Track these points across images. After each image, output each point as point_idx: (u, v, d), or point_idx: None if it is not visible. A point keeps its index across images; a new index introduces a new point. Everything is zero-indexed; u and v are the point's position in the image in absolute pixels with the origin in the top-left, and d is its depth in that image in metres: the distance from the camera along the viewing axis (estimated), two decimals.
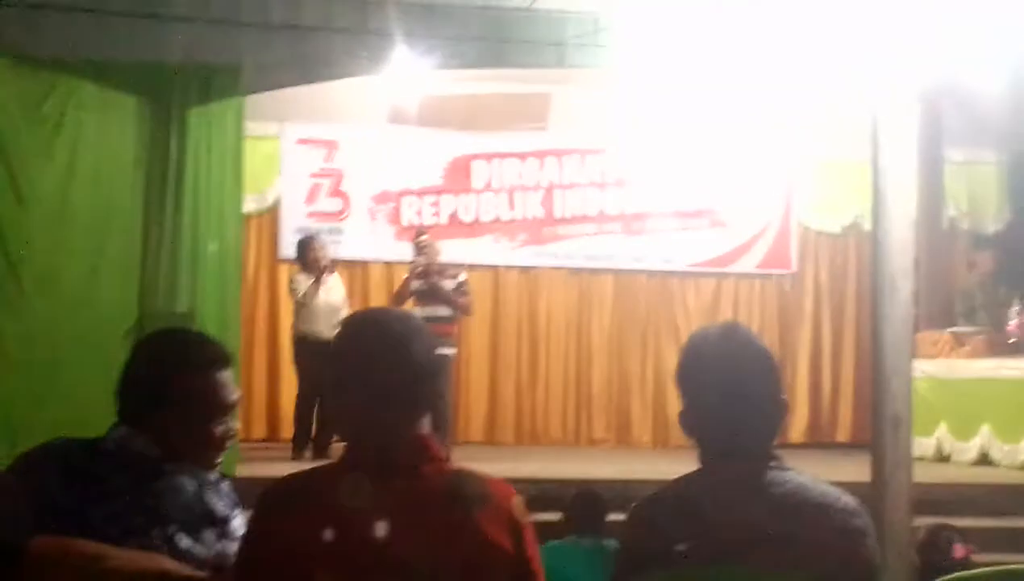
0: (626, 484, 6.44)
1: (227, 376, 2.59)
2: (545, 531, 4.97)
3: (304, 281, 9.15)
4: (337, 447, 8.67)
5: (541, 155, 11.42)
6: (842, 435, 11.60)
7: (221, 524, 2.45)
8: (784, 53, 7.92)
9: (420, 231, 9.85)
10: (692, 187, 11.45)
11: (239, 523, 2.46)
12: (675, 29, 7.88)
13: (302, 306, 9.11)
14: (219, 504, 2.48)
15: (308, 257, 9.24)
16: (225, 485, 2.53)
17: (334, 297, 9.20)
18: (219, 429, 2.56)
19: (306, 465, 2.60)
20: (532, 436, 11.36)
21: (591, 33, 8.18)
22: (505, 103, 10.99)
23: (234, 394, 2.61)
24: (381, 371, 2.30)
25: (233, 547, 2.40)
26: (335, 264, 9.60)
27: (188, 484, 2.45)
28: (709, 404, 2.48)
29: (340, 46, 8.18)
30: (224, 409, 2.57)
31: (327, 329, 8.81)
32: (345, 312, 9.03)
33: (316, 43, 8.12)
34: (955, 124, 10.41)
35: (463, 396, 11.06)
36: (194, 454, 2.52)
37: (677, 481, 2.53)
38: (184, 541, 2.38)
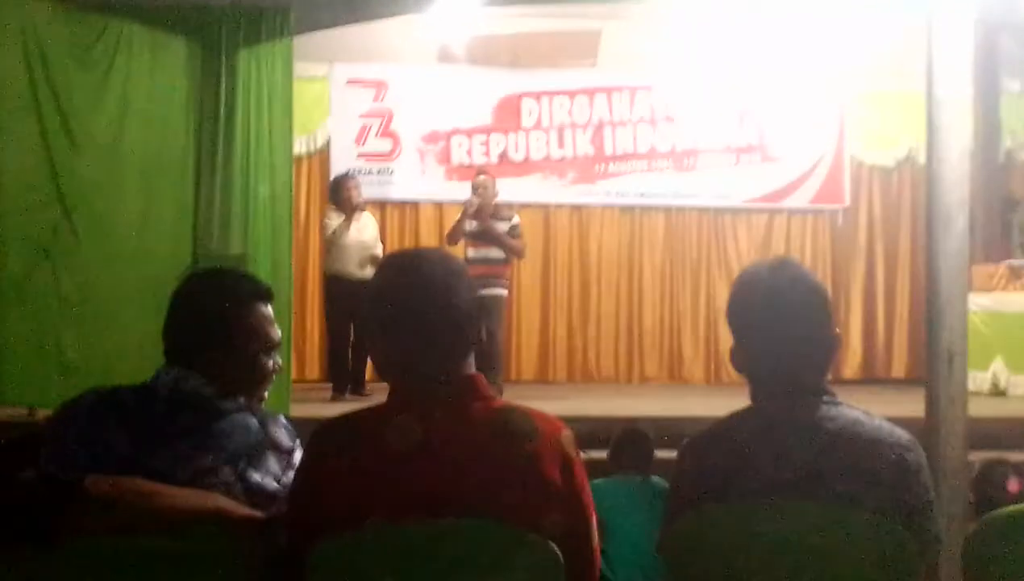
0: (678, 421, 6.44)
1: (270, 310, 2.63)
2: (596, 469, 5.00)
3: (336, 219, 9.13)
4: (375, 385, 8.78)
5: (591, 92, 11.32)
6: (897, 371, 11.52)
7: (287, 455, 2.48)
8: None
9: (480, 170, 9.81)
10: (743, 123, 11.32)
11: (300, 455, 2.49)
12: None
13: (332, 244, 9.11)
14: (282, 436, 2.51)
15: (341, 195, 9.20)
16: (282, 418, 2.57)
17: (366, 236, 9.17)
18: (267, 362, 2.59)
19: (348, 404, 2.62)
20: (584, 374, 11.36)
21: None
22: (554, 40, 10.90)
23: (278, 328, 2.64)
24: (424, 312, 2.30)
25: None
26: (366, 202, 9.55)
27: (250, 420, 2.48)
28: (760, 340, 2.47)
29: None
30: (271, 341, 2.61)
31: (357, 268, 8.83)
32: (377, 252, 9.07)
33: None
34: (1012, 54, 10.22)
35: (514, 336, 11.07)
36: (245, 388, 2.56)
37: (729, 418, 2.53)
38: (255, 476, 2.41)
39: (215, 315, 2.54)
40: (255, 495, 2.38)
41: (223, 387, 2.51)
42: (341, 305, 8.95)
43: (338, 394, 9.01)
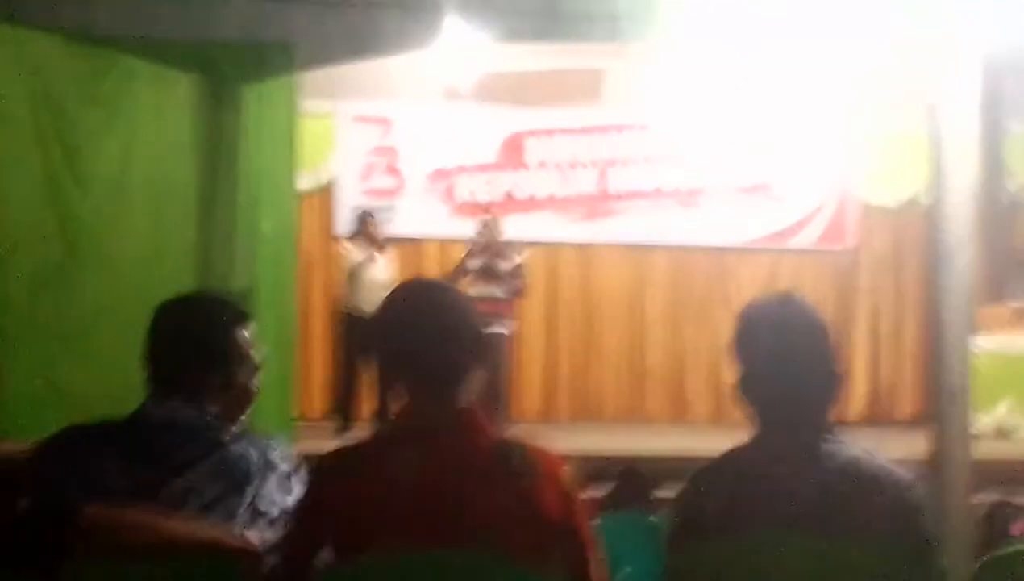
0: (682, 460, 6.41)
1: (251, 332, 2.61)
2: (599, 507, 4.98)
3: (356, 253, 9.14)
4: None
5: (595, 130, 11.36)
6: (903, 412, 11.45)
7: (287, 479, 2.47)
8: (842, 25, 7.81)
9: (486, 208, 9.84)
10: (748, 162, 11.34)
11: (298, 476, 2.48)
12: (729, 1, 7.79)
13: (351, 278, 9.13)
14: (281, 461, 2.49)
15: (368, 231, 9.27)
16: (277, 442, 2.55)
17: (382, 274, 9.19)
18: (255, 384, 2.58)
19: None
20: (587, 413, 11.34)
21: (644, 5, 8.10)
22: (559, 79, 10.93)
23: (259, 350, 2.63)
24: (424, 343, 2.29)
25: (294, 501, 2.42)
26: (388, 242, 9.57)
27: (249, 448, 2.46)
28: (763, 373, 2.46)
29: (393, 22, 8.15)
30: (256, 364, 2.59)
31: (372, 306, 8.82)
32: None
33: (369, 19, 8.09)
34: (1017, 95, 10.23)
35: (518, 373, 11.03)
36: (235, 413, 2.54)
37: (731, 451, 2.52)
38: (260, 503, 2.40)
39: (209, 342, 2.53)
40: (261, 521, 2.37)
41: (216, 413, 2.49)
42: (357, 342, 8.95)
43: (344, 430, 8.97)
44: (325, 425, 9.63)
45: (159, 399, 2.49)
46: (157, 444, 2.43)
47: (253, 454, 2.47)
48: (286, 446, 2.57)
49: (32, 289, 7.28)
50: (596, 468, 6.17)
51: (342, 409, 9.22)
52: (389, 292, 2.44)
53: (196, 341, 2.53)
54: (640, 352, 11.47)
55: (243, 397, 2.60)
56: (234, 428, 2.52)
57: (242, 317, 2.62)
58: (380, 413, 9.05)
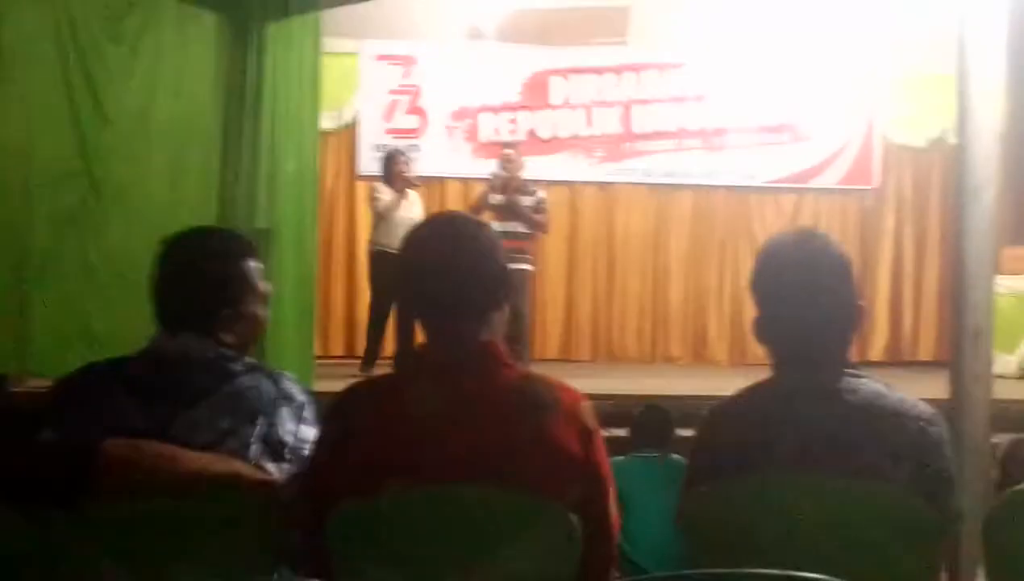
0: (701, 400, 6.43)
1: (258, 265, 2.65)
2: (617, 447, 4.99)
3: (386, 194, 9.13)
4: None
5: (619, 70, 11.28)
6: (924, 353, 11.43)
7: (299, 409, 2.49)
8: None
9: (507, 144, 9.81)
10: (773, 102, 11.25)
11: (311, 407, 2.50)
12: None
13: (381, 219, 9.10)
14: (293, 390, 2.52)
15: (392, 171, 9.23)
16: (287, 374, 2.57)
17: (414, 213, 9.17)
18: (262, 313, 2.60)
19: None
20: (608, 353, 11.36)
21: None
22: (583, 17, 10.87)
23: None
24: (448, 275, 2.30)
25: (308, 430, 2.44)
26: (417, 180, 9.55)
27: (261, 378, 2.49)
28: (783, 309, 2.45)
29: None
30: (265, 295, 2.62)
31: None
32: None
33: None
34: None
35: (539, 313, 11.05)
36: (246, 344, 2.56)
37: (749, 388, 2.51)
38: (274, 432, 2.42)
39: (221, 276, 2.55)
40: (275, 451, 2.39)
41: (228, 346, 2.51)
42: (386, 280, 8.97)
43: (368, 367, 9.01)
44: (345, 363, 9.68)
45: (170, 333, 2.51)
46: (170, 378, 2.44)
47: (265, 385, 2.48)
48: (298, 379, 2.59)
49: (57, 227, 7.32)
50: (616, 408, 6.20)
51: (372, 348, 9.23)
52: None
53: (205, 273, 2.54)
54: (662, 293, 11.47)
55: (253, 327, 2.62)
56: (246, 360, 2.53)
57: (249, 249, 2.64)
58: (400, 353, 9.08)
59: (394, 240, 8.85)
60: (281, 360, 7.81)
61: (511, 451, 2.20)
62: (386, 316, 9.08)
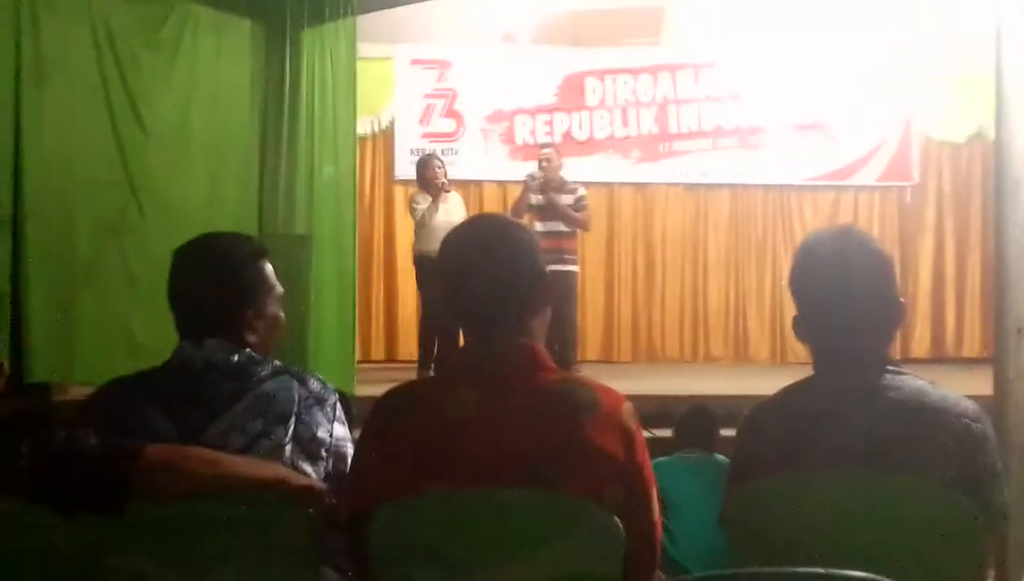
0: (743, 400, 6.39)
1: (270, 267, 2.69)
2: (660, 447, 4.98)
3: (423, 201, 9.08)
4: None
5: (655, 70, 11.26)
6: (969, 350, 11.34)
7: (330, 407, 2.50)
8: None
9: (545, 145, 9.79)
10: (809, 100, 11.19)
11: (341, 406, 2.51)
12: None
13: (422, 226, 9.03)
14: (319, 389, 2.53)
15: (427, 176, 9.15)
16: (314, 376, 2.58)
17: (454, 216, 9.09)
18: (280, 313, 2.63)
19: None
20: (649, 354, 11.34)
21: None
22: (617, 18, 10.86)
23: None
24: (485, 278, 2.30)
25: (340, 428, 2.46)
26: (452, 183, 9.50)
27: (288, 379, 2.50)
28: (823, 307, 2.44)
29: None
30: (279, 293, 2.66)
31: None
32: None
33: None
34: None
35: (580, 315, 11.02)
36: (265, 344, 2.58)
37: (791, 387, 2.50)
38: (306, 431, 2.43)
39: (241, 279, 2.57)
40: (309, 451, 2.40)
41: (253, 347, 2.53)
42: (431, 285, 8.94)
43: (424, 370, 9.00)
44: (387, 367, 9.70)
45: (195, 341, 2.52)
46: (198, 387, 2.46)
47: (294, 387, 2.50)
48: (325, 379, 2.61)
49: (98, 234, 7.36)
50: (659, 409, 6.18)
51: (427, 352, 9.18)
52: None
53: (226, 278, 2.56)
54: (701, 292, 11.44)
55: (275, 327, 2.65)
56: (273, 363, 2.55)
57: (261, 250, 2.68)
58: (440, 356, 9.11)
59: (434, 245, 8.81)
60: (322, 365, 7.86)
61: (551, 454, 2.20)
62: (436, 321, 9.05)
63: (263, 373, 2.50)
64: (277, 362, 2.57)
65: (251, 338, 2.56)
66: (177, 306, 2.59)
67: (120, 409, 2.44)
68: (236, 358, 2.51)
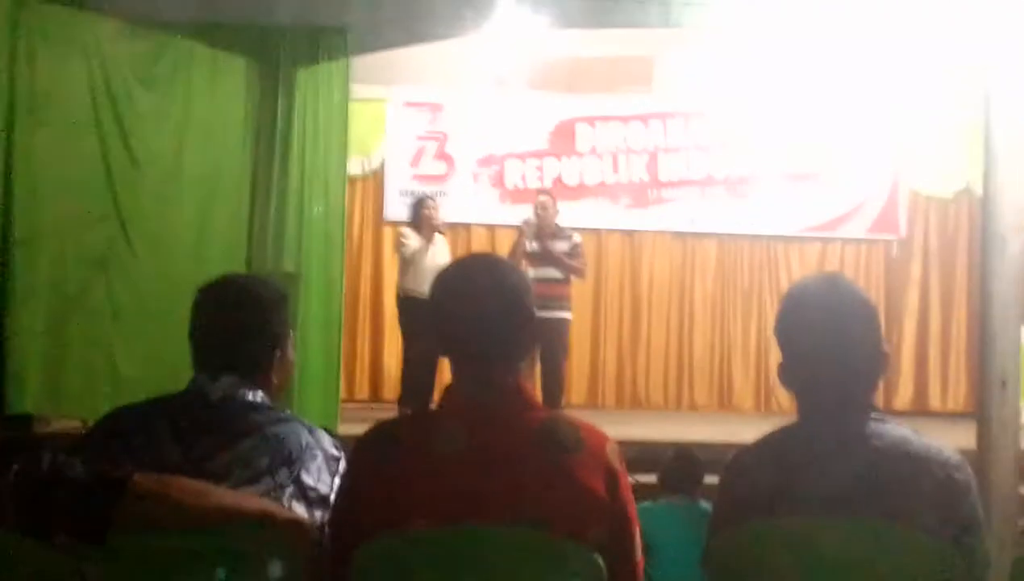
0: (727, 447, 6.38)
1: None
2: (644, 492, 4.97)
3: (414, 239, 9.08)
4: None
5: (645, 118, 11.33)
6: (953, 404, 11.36)
7: (335, 463, 2.51)
8: (895, 14, 7.76)
9: (541, 191, 9.81)
10: (798, 151, 11.26)
11: (342, 462, 2.52)
12: None
13: (409, 265, 9.03)
14: (329, 445, 2.54)
15: (421, 216, 9.16)
16: (321, 429, 2.60)
17: (441, 258, 9.12)
18: (294, 357, 2.66)
19: None
20: (634, 400, 11.33)
21: None
22: (608, 66, 10.93)
23: None
24: (477, 317, 2.32)
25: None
26: (445, 225, 9.49)
27: (299, 426, 2.52)
28: (808, 354, 2.45)
29: (445, 7, 8.19)
30: (294, 337, 2.69)
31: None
32: None
33: (421, 4, 8.14)
34: None
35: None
36: (282, 385, 2.61)
37: (775, 433, 2.51)
38: (309, 479, 2.44)
39: (275, 321, 2.61)
40: (308, 497, 2.41)
41: (270, 388, 2.56)
42: (416, 325, 8.94)
43: (404, 407, 8.96)
44: (371, 407, 9.69)
45: (211, 377, 2.54)
46: (212, 416, 2.47)
47: (304, 434, 2.51)
48: (332, 432, 2.63)
49: (85, 267, 7.36)
50: (641, 454, 6.18)
51: (408, 392, 9.14)
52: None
53: (256, 320, 2.60)
54: (687, 340, 11.46)
55: (291, 369, 2.69)
56: (286, 411, 2.57)
57: (283, 294, 2.72)
58: (404, 395, 9.10)
59: (422, 285, 8.81)
60: (307, 403, 7.85)
61: (535, 491, 2.21)
62: (419, 359, 9.03)
63: (276, 416, 2.51)
64: (288, 411, 2.59)
65: (274, 379, 2.60)
66: (197, 343, 2.61)
67: (128, 429, 2.47)
68: (253, 396, 2.53)
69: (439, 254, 9.08)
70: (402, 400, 9.14)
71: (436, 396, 9.00)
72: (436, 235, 9.10)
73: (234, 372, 2.55)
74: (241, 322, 2.60)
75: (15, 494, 2.23)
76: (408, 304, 9.01)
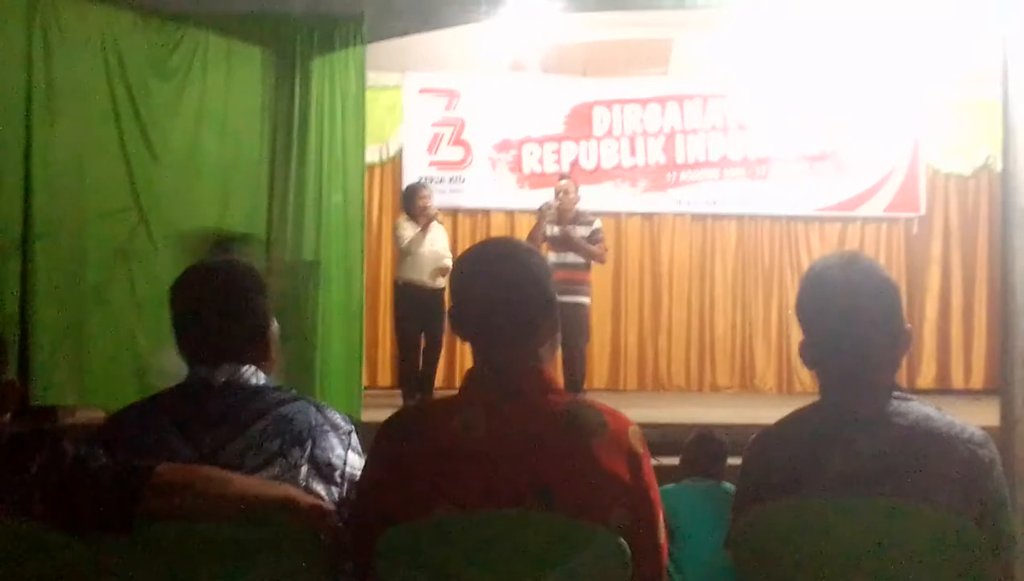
0: (749, 428, 6.38)
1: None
2: (666, 475, 4.97)
3: (410, 229, 9.04)
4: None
5: (662, 100, 11.31)
6: (975, 382, 11.33)
7: (347, 435, 2.51)
8: None
9: (562, 175, 9.78)
10: (816, 130, 11.24)
11: (357, 436, 2.52)
12: None
13: (406, 254, 9.02)
14: (338, 420, 2.54)
15: (415, 205, 9.11)
16: (329, 406, 2.60)
17: (438, 246, 9.10)
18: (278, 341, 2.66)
19: None
20: (655, 382, 11.33)
21: None
22: (626, 49, 10.89)
23: None
24: (497, 300, 2.31)
25: (355, 457, 2.47)
26: (440, 213, 9.39)
27: (306, 405, 2.52)
28: (829, 333, 2.44)
29: None
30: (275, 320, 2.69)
31: (429, 278, 8.81)
32: (448, 262, 8.91)
33: None
34: None
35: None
36: (276, 364, 2.61)
37: (797, 413, 2.50)
38: (322, 455, 2.44)
39: (255, 304, 2.60)
40: (324, 473, 2.41)
41: (268, 368, 2.56)
42: (412, 313, 8.95)
43: (411, 396, 8.99)
44: (393, 394, 9.70)
45: (210, 365, 2.53)
46: (218, 406, 2.47)
47: (311, 412, 2.51)
48: (355, 420, 2.62)
49: (107, 259, 7.40)
50: (664, 437, 6.17)
51: (406, 382, 9.17)
52: (444, 266, 2.48)
53: (244, 304, 2.59)
54: (708, 322, 11.45)
55: (276, 353, 2.67)
56: (292, 391, 2.57)
57: (256, 271, 2.69)
58: (402, 378, 9.12)
59: (419, 274, 8.82)
60: (329, 390, 7.87)
61: (558, 476, 2.20)
62: (416, 348, 9.04)
63: (282, 397, 2.51)
64: (293, 391, 2.58)
65: (272, 357, 2.61)
66: (186, 333, 2.58)
67: (135, 431, 2.45)
68: (255, 381, 2.53)
69: (436, 241, 9.06)
70: (403, 387, 9.15)
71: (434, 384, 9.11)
72: (432, 223, 9.08)
73: (232, 358, 2.54)
74: (227, 307, 2.58)
75: (40, 486, 2.24)
76: (406, 291, 8.99)
